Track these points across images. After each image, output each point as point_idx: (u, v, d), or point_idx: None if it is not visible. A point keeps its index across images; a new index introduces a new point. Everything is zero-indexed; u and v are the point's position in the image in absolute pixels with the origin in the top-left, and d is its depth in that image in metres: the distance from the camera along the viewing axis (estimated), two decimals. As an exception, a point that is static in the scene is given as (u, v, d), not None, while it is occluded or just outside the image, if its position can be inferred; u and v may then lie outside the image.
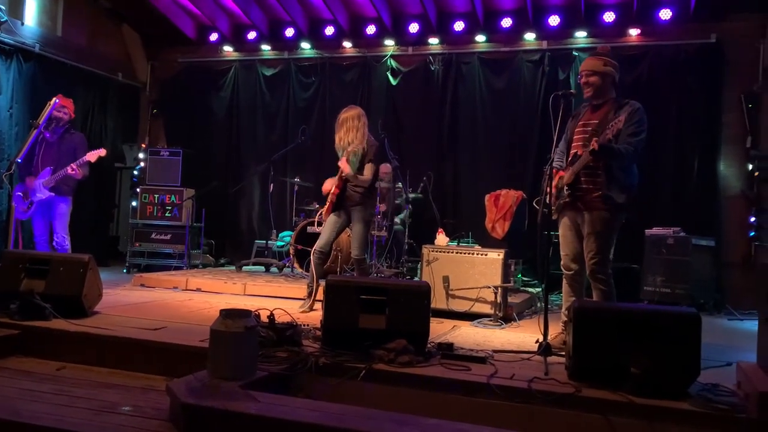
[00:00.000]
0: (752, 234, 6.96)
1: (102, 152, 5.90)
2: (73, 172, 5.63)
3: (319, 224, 5.39)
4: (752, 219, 6.96)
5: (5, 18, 7.23)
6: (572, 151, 4.04)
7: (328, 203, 5.20)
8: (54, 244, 5.74)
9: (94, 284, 4.35)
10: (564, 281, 4.18)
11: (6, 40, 7.46)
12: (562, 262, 4.18)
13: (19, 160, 5.49)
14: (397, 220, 7.34)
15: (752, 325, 5.53)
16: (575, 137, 4.07)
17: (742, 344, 4.60)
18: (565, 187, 3.98)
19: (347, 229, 5.45)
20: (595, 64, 4.05)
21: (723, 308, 6.59)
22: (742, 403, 2.79)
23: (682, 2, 7.35)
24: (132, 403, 2.82)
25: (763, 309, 3.04)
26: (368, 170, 5.10)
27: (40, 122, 5.50)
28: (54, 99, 5.58)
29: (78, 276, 4.20)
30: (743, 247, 7.04)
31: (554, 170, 4.17)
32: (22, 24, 7.81)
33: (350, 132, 5.09)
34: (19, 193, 5.67)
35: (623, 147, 3.80)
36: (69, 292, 4.15)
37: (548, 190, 3.99)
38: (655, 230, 6.68)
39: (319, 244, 5.17)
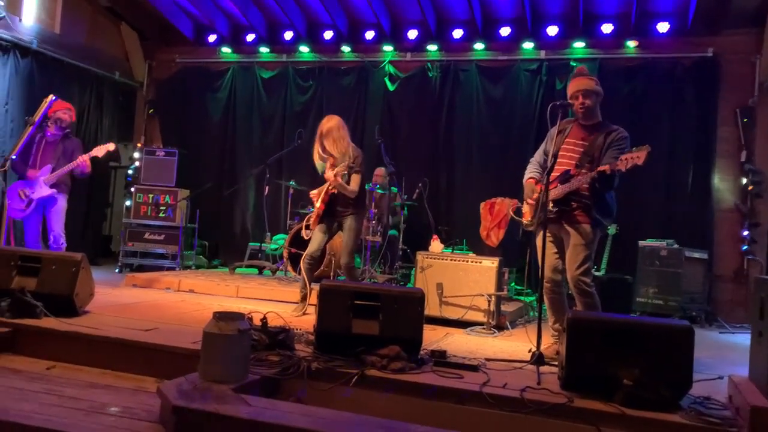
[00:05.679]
0: (745, 248, 7.01)
1: (111, 146, 5.88)
2: (83, 162, 5.60)
3: (308, 227, 5.37)
4: (745, 233, 7.01)
5: (3, 14, 7.20)
6: (561, 168, 4.04)
7: (314, 216, 5.20)
8: (50, 242, 5.68)
9: (86, 283, 4.32)
10: (545, 294, 4.16)
11: (3, 36, 7.43)
12: (542, 274, 4.17)
13: (14, 157, 5.45)
14: (392, 221, 7.31)
15: (744, 339, 5.57)
16: (562, 153, 4.07)
17: (734, 357, 4.62)
18: (551, 203, 3.99)
19: (340, 233, 5.44)
20: (589, 84, 4.06)
21: (714, 321, 6.62)
22: (734, 417, 2.79)
23: (680, 16, 7.40)
24: (122, 404, 2.80)
25: (755, 323, 3.05)
26: (355, 181, 5.07)
27: (36, 119, 5.47)
28: (50, 96, 5.55)
29: (70, 275, 4.17)
30: (735, 261, 7.09)
31: (533, 180, 4.21)
32: (20, 20, 7.78)
33: (338, 143, 5.07)
34: (18, 191, 5.62)
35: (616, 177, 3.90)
36: (60, 290, 4.12)
37: (531, 201, 4.13)
38: (649, 242, 6.71)
39: (309, 251, 5.16)
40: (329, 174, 5.01)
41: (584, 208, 3.96)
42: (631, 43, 7.57)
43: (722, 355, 4.78)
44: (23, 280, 4.13)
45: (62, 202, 5.74)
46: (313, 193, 5.25)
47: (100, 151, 5.78)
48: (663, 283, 6.43)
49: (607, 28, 7.65)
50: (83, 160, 5.62)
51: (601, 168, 3.80)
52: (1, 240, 5.63)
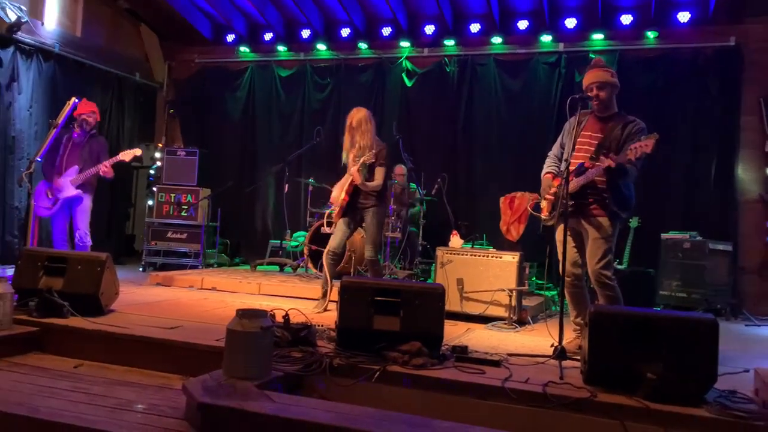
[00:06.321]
0: (770, 239, 6.90)
1: (138, 152, 6.01)
2: (106, 169, 5.73)
3: (329, 224, 5.41)
4: (770, 224, 6.90)
5: (26, 18, 7.32)
6: (577, 161, 4.01)
7: (338, 208, 5.22)
8: (76, 240, 5.81)
9: (111, 282, 4.39)
10: (566, 288, 4.12)
11: (26, 40, 7.55)
12: (561, 268, 4.14)
13: (39, 159, 5.55)
14: (411, 211, 7.31)
15: (770, 331, 5.49)
16: (578, 146, 4.05)
17: (760, 350, 4.56)
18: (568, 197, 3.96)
19: (360, 229, 5.45)
20: (604, 75, 4.02)
21: (740, 314, 6.53)
22: (760, 411, 2.77)
23: (701, 4, 7.29)
24: (148, 402, 2.85)
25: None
26: (379, 174, 5.10)
27: (59, 122, 5.56)
28: (73, 99, 5.63)
29: (95, 274, 4.24)
30: (761, 252, 6.97)
31: (551, 175, 4.19)
32: (42, 24, 7.91)
33: (365, 135, 5.12)
34: (45, 190, 5.75)
35: (631, 169, 3.87)
36: (86, 290, 4.19)
37: (549, 196, 4.12)
38: (672, 234, 6.63)
39: (331, 246, 5.19)
40: (354, 170, 5.04)
41: (600, 202, 3.93)
42: (651, 34, 7.47)
43: (748, 348, 4.72)
44: (50, 280, 4.21)
45: (87, 202, 5.87)
46: (334, 195, 5.27)
47: (127, 155, 5.90)
48: (686, 275, 6.35)
49: (626, 18, 7.55)
50: (106, 169, 5.74)
51: (605, 163, 3.78)
52: (29, 240, 5.74)
